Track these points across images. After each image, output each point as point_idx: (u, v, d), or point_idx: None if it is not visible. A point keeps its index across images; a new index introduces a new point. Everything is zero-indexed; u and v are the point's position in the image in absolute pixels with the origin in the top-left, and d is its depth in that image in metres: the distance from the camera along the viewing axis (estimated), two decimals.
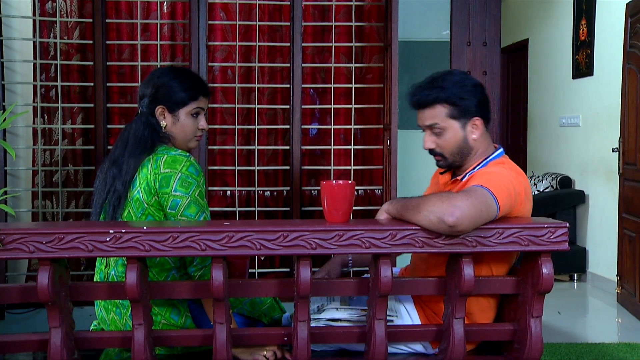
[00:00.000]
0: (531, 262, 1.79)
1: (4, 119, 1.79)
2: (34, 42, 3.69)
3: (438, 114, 1.96)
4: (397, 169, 3.49)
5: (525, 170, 6.76)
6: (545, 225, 1.73)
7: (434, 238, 1.73)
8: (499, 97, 3.68)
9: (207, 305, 2.00)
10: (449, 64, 3.62)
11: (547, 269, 1.75)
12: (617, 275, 4.39)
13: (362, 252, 1.78)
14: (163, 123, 2.12)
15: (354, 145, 3.82)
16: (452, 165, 2.02)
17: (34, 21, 3.72)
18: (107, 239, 1.70)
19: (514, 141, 7.23)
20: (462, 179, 1.99)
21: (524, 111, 6.82)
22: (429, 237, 1.74)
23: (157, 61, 3.75)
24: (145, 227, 1.72)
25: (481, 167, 1.98)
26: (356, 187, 3.87)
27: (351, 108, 3.80)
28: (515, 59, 7.15)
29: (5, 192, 1.73)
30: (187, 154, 2.05)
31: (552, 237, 1.73)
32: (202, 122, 2.16)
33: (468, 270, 1.75)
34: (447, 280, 1.84)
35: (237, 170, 3.80)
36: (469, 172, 1.99)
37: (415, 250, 1.76)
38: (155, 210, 1.99)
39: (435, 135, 1.98)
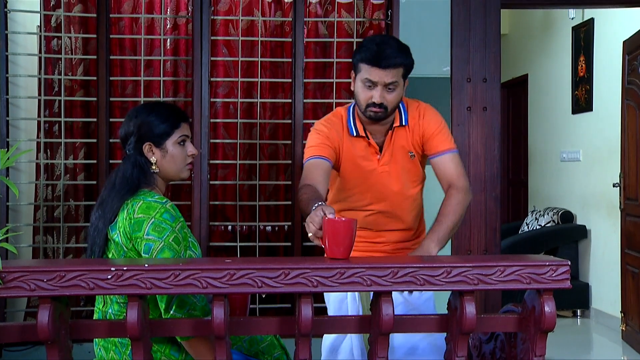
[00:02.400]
0: (533, 300, 1.78)
1: (8, 158, 1.79)
2: (39, 79, 3.73)
3: (397, 73, 2.27)
4: None
5: (526, 205, 6.76)
6: (547, 263, 1.73)
7: (435, 276, 1.73)
8: (499, 132, 3.70)
9: (196, 348, 1.98)
10: (450, 99, 3.65)
11: (549, 307, 1.74)
12: (621, 312, 4.36)
13: (364, 289, 1.78)
14: (153, 159, 2.13)
15: None
16: (386, 117, 2.33)
17: (39, 58, 3.77)
18: (109, 277, 1.69)
19: (515, 175, 7.25)
20: (404, 124, 2.38)
21: (525, 145, 6.85)
22: (431, 275, 1.73)
23: (160, 96, 3.78)
24: (146, 265, 1.72)
25: (405, 111, 2.39)
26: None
27: None
28: (516, 94, 7.21)
29: (7, 231, 1.73)
30: (164, 200, 2.03)
31: (553, 275, 1.73)
32: (190, 148, 2.17)
33: (470, 309, 1.74)
34: (449, 318, 1.83)
35: (239, 205, 3.80)
36: (402, 118, 2.38)
37: (417, 288, 1.76)
38: (134, 254, 1.99)
39: (387, 92, 2.28)
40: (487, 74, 3.69)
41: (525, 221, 6.04)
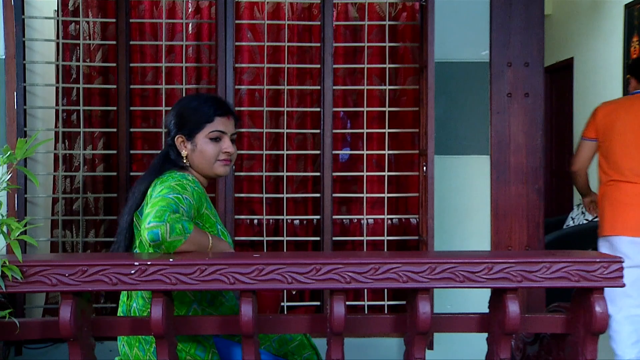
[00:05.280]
0: (583, 299, 1.76)
1: (27, 148, 1.82)
2: (57, 65, 3.78)
3: None
4: (434, 197, 3.48)
5: (572, 197, 6.68)
6: (598, 260, 1.71)
7: (476, 272, 1.72)
8: (542, 120, 3.66)
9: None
10: (488, 85, 3.61)
11: (600, 307, 1.72)
12: None
13: (399, 286, 1.78)
14: (184, 152, 2.16)
15: (387, 171, 3.82)
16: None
17: (57, 44, 3.81)
18: (132, 272, 1.72)
19: (559, 167, 7.16)
20: None
21: (570, 135, 6.75)
22: (471, 271, 1.73)
23: (182, 84, 3.80)
24: (171, 260, 1.74)
25: None
26: (391, 217, 3.87)
27: (385, 132, 3.80)
28: (560, 79, 7.11)
29: (26, 224, 1.77)
30: (185, 175, 2.08)
31: (605, 272, 1.71)
32: (226, 145, 2.18)
33: (513, 308, 1.73)
34: (490, 318, 1.82)
35: (265, 197, 3.82)
36: None
37: (456, 285, 1.76)
38: None
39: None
40: (529, 57, 3.64)
41: (570, 215, 5.96)
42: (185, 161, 2.16)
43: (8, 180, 1.76)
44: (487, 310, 1.87)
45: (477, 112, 3.66)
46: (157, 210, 1.84)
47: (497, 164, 3.62)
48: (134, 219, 2.09)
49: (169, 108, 3.71)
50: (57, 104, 3.82)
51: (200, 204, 2.06)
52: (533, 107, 3.63)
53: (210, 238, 1.99)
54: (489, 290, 1.84)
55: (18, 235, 1.74)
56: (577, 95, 6.55)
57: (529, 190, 3.62)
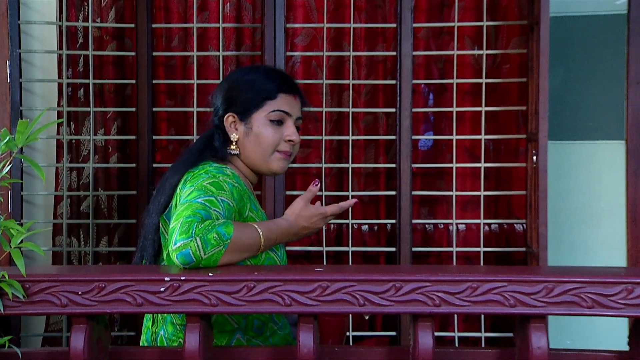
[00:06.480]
0: None
1: (29, 132, 1.85)
2: (60, 27, 3.84)
3: None
4: (548, 196, 3.42)
5: None
6: None
7: (610, 295, 1.70)
8: None
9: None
10: (625, 47, 3.54)
11: None
12: None
13: (505, 311, 1.77)
14: (234, 136, 2.18)
15: (484, 162, 3.79)
16: None
17: (60, 0, 3.88)
18: (162, 289, 1.75)
19: None
20: None
21: None
22: (603, 294, 1.71)
23: (219, 50, 3.83)
24: (210, 274, 1.76)
25: None
26: (489, 222, 3.83)
27: (480, 111, 3.77)
28: None
29: (29, 228, 1.81)
30: (222, 168, 2.08)
31: None
32: (290, 131, 2.20)
33: None
34: (631, 357, 1.79)
35: (325, 196, 3.83)
36: None
37: (582, 312, 1.74)
38: None
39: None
40: None
41: None
42: (234, 147, 2.18)
43: (7, 172, 1.80)
44: (625, 347, 1.85)
45: (607, 84, 3.59)
46: (182, 223, 1.86)
47: (635, 152, 3.55)
48: (160, 224, 2.12)
49: (202, 81, 3.81)
50: (60, 76, 3.88)
51: (242, 204, 2.08)
52: None
53: (260, 231, 2.00)
54: (627, 320, 1.82)
55: (20, 242, 1.77)
56: None
57: None
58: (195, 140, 2.29)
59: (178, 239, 1.83)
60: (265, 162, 2.20)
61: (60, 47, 3.85)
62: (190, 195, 1.97)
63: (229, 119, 2.20)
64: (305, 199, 2.14)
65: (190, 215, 1.87)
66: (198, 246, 1.82)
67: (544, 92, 3.43)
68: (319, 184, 2.18)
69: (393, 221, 3.79)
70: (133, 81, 3.84)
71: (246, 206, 2.11)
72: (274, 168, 2.21)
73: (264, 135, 2.17)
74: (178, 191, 2.08)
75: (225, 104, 2.22)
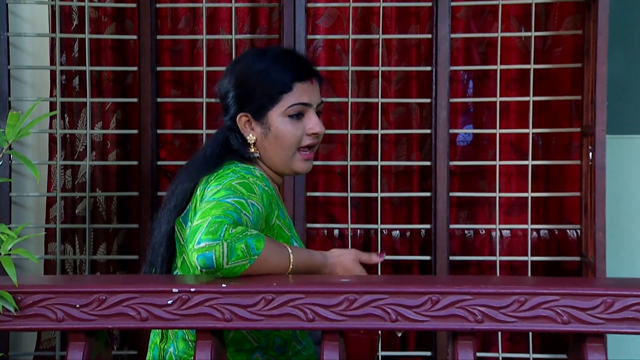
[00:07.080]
0: None
1: (20, 126, 1.87)
2: (52, 7, 3.86)
3: None
4: (605, 197, 3.42)
5: None
6: None
7: None
8: None
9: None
10: None
11: None
12: None
13: (558, 329, 1.77)
14: (251, 138, 2.19)
15: (532, 159, 3.78)
16: None
17: None
18: (169, 302, 1.76)
19: None
20: None
21: None
22: None
23: (231, 33, 3.85)
24: (224, 285, 1.77)
25: None
26: (537, 227, 3.83)
27: (528, 101, 3.76)
28: None
29: (19, 234, 1.82)
30: (251, 169, 2.10)
31: None
32: (312, 122, 2.20)
33: None
34: None
35: (350, 197, 3.83)
36: None
37: None
38: None
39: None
40: None
41: None
42: (253, 150, 2.19)
43: None
44: None
45: None
46: (210, 222, 1.86)
47: None
48: (176, 228, 2.14)
49: (212, 68, 3.83)
50: (52, 63, 3.91)
51: (270, 211, 2.09)
52: None
53: (291, 257, 2.01)
54: None
55: (10, 248, 1.78)
56: None
57: None
58: (205, 143, 2.28)
59: (203, 239, 1.83)
60: (288, 164, 2.21)
61: (53, 30, 3.86)
62: (217, 193, 1.98)
63: (242, 119, 2.20)
64: (360, 256, 2.21)
65: (221, 215, 1.87)
66: (223, 252, 1.82)
67: (602, 79, 3.42)
68: (384, 257, 2.25)
69: (428, 226, 3.80)
70: (135, 68, 3.85)
71: (274, 213, 2.12)
72: (297, 169, 2.23)
73: (284, 134, 2.18)
74: (199, 192, 2.09)
75: (236, 102, 2.21)
